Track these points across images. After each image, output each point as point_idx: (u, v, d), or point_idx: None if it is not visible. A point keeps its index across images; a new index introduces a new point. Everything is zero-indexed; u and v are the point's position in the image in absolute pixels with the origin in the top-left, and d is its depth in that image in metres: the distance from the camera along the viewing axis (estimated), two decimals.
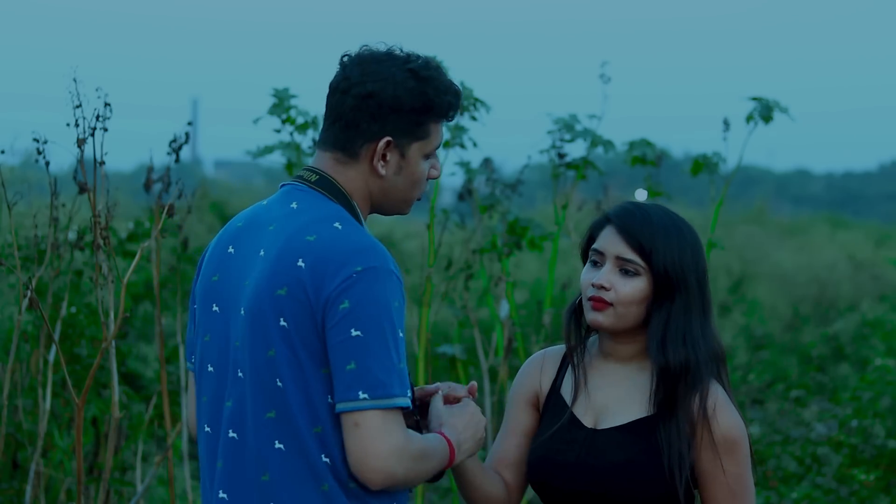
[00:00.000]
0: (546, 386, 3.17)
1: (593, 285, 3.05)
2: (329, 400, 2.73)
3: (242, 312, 2.80)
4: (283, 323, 2.73)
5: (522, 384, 3.19)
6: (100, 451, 5.66)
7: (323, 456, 2.74)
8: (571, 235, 5.94)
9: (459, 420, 2.93)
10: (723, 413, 3.01)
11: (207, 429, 2.87)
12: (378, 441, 2.68)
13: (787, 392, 9.16)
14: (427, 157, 2.89)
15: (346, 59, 2.88)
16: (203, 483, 2.91)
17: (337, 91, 2.87)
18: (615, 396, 3.09)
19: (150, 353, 7.08)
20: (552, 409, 3.14)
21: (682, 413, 3.00)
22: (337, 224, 2.79)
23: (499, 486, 3.12)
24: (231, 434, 2.80)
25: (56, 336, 4.83)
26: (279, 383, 2.74)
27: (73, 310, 5.61)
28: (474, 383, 3.04)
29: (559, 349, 3.22)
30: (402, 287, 2.78)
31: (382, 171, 2.85)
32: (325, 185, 2.86)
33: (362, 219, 2.88)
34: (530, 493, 6.33)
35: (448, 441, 2.88)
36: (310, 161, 5.53)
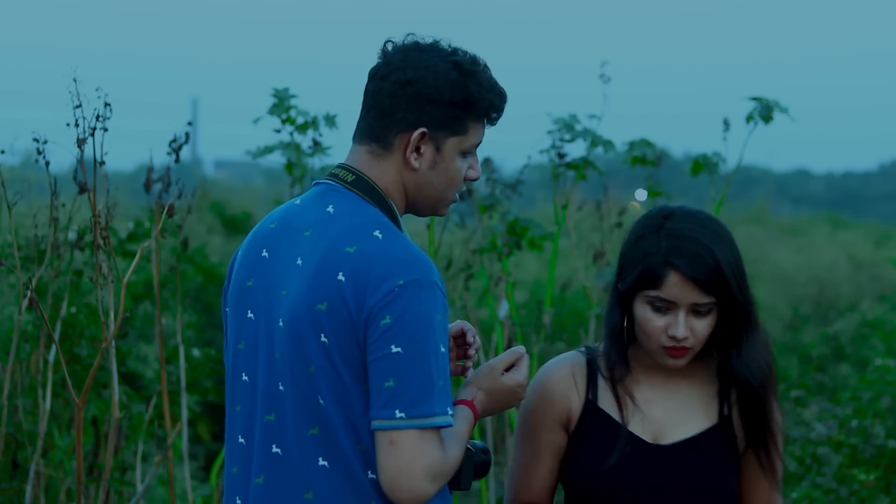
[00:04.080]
0: (579, 401, 2.98)
1: (672, 336, 2.88)
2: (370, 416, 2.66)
3: (281, 324, 2.71)
4: (323, 339, 2.65)
5: (552, 403, 2.99)
6: (100, 452, 5.66)
7: (369, 472, 2.67)
8: (571, 235, 5.93)
9: (497, 390, 2.82)
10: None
11: (241, 440, 2.79)
12: (413, 462, 2.60)
13: (788, 392, 9.16)
14: (464, 154, 2.78)
15: (389, 45, 2.78)
16: (229, 495, 2.82)
17: (376, 77, 2.76)
18: (672, 408, 2.96)
19: (150, 353, 7.08)
20: (594, 425, 2.96)
21: (761, 416, 3.00)
22: (377, 233, 2.68)
23: None
24: (275, 449, 2.72)
25: (56, 336, 4.83)
26: (321, 400, 2.66)
27: (73, 310, 5.61)
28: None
29: (582, 358, 3.02)
30: (446, 299, 2.69)
31: (416, 165, 2.74)
32: (362, 186, 2.75)
33: (399, 218, 2.78)
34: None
35: (475, 415, 2.79)
36: (308, 160, 5.56)
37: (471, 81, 2.74)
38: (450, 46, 2.77)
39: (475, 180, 2.83)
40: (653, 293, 2.87)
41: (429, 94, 2.72)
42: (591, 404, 2.96)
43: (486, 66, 2.78)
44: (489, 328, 7.47)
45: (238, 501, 2.79)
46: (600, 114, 5.60)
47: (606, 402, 2.96)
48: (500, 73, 2.84)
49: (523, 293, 12.13)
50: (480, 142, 2.81)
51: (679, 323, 2.86)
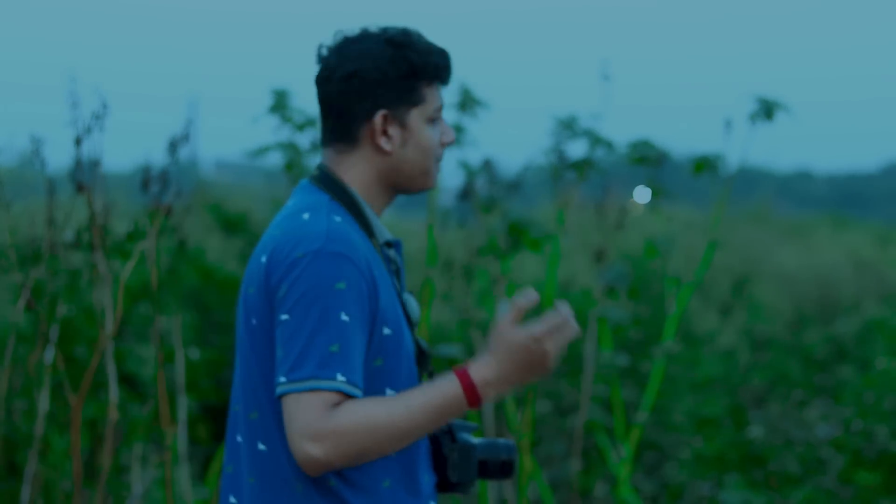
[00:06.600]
0: None
1: None
2: None
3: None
4: (253, 321, 2.70)
5: None
6: (97, 453, 5.63)
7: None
8: (571, 236, 5.91)
9: (505, 350, 2.64)
10: None
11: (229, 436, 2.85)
12: (290, 425, 2.61)
13: (790, 393, 9.14)
14: (431, 121, 2.80)
15: (322, 49, 2.82)
16: (223, 493, 2.86)
17: (321, 82, 2.81)
18: None
19: (147, 355, 7.06)
20: None
21: None
22: (305, 215, 2.72)
23: None
24: (238, 438, 2.77)
25: (53, 337, 4.81)
26: (256, 382, 2.71)
27: (71, 310, 5.58)
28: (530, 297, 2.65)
29: None
30: (358, 268, 2.66)
31: (388, 148, 2.77)
32: (322, 178, 2.80)
33: (363, 206, 2.79)
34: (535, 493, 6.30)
35: (465, 381, 2.64)
36: (306, 160, 5.54)
37: (408, 51, 2.77)
38: (378, 28, 2.81)
39: (452, 143, 2.85)
40: None
41: (375, 77, 2.76)
42: None
43: (418, 34, 2.81)
44: (489, 328, 7.44)
45: (232, 499, 2.79)
46: (602, 113, 5.59)
47: None
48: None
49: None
50: (441, 104, 2.82)
51: None
